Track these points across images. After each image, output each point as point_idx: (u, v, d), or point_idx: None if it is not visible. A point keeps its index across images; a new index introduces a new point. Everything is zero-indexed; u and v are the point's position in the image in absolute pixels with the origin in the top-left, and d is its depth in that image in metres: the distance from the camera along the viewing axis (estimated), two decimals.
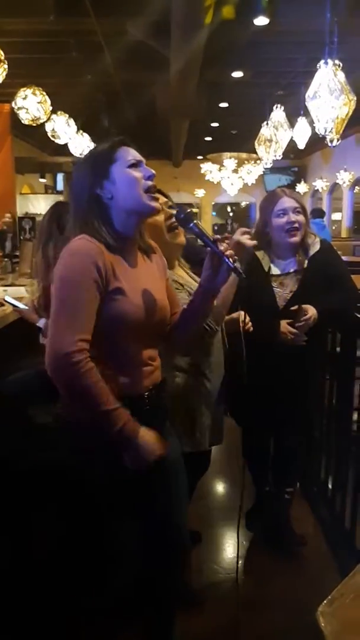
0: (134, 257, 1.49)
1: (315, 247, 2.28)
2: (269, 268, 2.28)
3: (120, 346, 1.42)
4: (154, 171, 1.46)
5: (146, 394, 1.50)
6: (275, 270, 2.29)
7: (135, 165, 1.43)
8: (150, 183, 1.44)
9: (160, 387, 1.56)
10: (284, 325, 2.19)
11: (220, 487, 3.14)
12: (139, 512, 1.61)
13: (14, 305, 2.65)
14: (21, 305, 2.60)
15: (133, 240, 1.49)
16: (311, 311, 2.17)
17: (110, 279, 1.36)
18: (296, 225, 2.19)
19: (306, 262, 2.26)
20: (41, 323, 2.40)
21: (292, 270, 2.27)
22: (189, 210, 1.49)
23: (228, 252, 1.40)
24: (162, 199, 1.88)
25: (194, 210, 19.08)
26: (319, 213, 8.12)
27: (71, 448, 1.47)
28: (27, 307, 2.54)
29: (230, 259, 1.40)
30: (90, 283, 1.32)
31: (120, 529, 1.60)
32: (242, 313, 2.02)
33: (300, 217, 2.21)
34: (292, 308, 2.19)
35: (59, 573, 1.71)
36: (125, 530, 1.64)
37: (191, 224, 1.45)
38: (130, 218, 1.44)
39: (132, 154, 1.45)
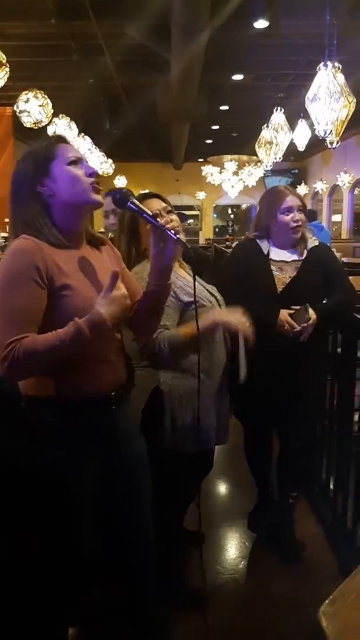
0: (82, 251, 1.48)
1: (314, 243, 2.37)
2: (268, 252, 2.33)
3: None
4: (95, 168, 1.46)
5: (112, 393, 1.50)
6: (275, 256, 2.34)
7: (75, 162, 1.43)
8: (92, 179, 1.43)
9: (126, 387, 1.56)
10: (283, 313, 2.20)
11: (223, 488, 3.15)
12: (105, 512, 1.61)
13: None
14: None
15: (79, 234, 1.48)
16: (313, 318, 2.19)
17: (54, 276, 1.35)
18: (300, 223, 2.29)
19: (305, 252, 2.33)
20: None
21: (291, 259, 2.34)
22: (124, 190, 1.48)
23: (169, 225, 1.42)
24: (161, 204, 1.89)
25: (195, 212, 19.10)
26: (313, 215, 8.15)
27: (35, 451, 1.46)
28: None
29: (172, 231, 1.42)
30: (28, 283, 1.31)
31: (90, 531, 1.59)
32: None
33: (302, 216, 2.32)
34: (296, 307, 2.20)
35: (20, 577, 1.70)
36: (95, 532, 1.63)
37: (129, 203, 1.45)
38: (73, 213, 1.44)
39: (72, 152, 1.44)
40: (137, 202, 1.45)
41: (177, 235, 1.42)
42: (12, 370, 1.28)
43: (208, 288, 2.06)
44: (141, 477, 1.64)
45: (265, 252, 2.35)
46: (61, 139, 1.47)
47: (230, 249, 9.17)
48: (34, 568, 1.60)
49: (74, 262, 1.42)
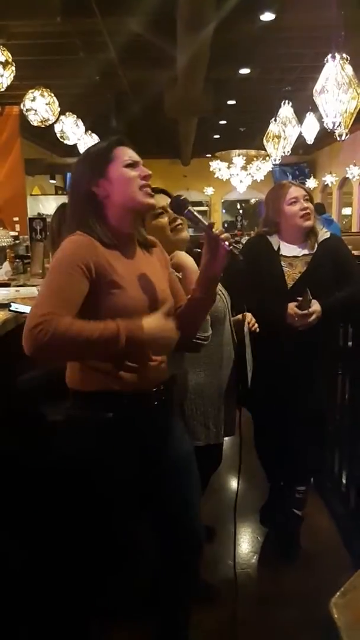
0: (133, 251, 1.50)
1: (325, 235, 2.35)
2: (279, 248, 2.33)
3: None
4: (150, 172, 1.48)
5: (154, 389, 1.50)
6: (284, 252, 2.33)
7: (131, 165, 1.45)
8: (145, 182, 1.45)
9: (168, 384, 1.56)
10: (291, 307, 2.20)
11: (234, 482, 3.15)
12: (151, 510, 1.62)
13: (21, 312, 2.58)
14: (27, 310, 2.53)
15: (130, 235, 1.50)
16: (315, 306, 2.18)
17: (104, 272, 1.36)
18: (308, 210, 2.28)
19: (316, 245, 2.31)
20: None
21: (301, 254, 2.32)
22: (182, 197, 1.51)
23: (223, 236, 1.42)
24: (167, 200, 1.89)
25: (204, 208, 19.07)
26: (322, 209, 8.11)
27: (81, 446, 1.47)
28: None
29: (227, 242, 1.41)
30: (73, 267, 1.32)
31: (133, 527, 1.61)
32: (249, 314, 2.04)
33: (310, 204, 2.31)
34: (300, 298, 2.20)
35: (70, 573, 1.72)
36: (137, 528, 1.64)
37: (185, 211, 1.47)
38: (126, 215, 1.45)
39: (129, 154, 1.46)
40: (193, 210, 1.47)
41: (231, 247, 1.42)
42: (38, 342, 1.21)
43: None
44: (189, 472, 1.64)
45: (276, 248, 2.34)
46: (120, 141, 1.48)
47: (240, 244, 9.10)
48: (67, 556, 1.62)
49: (124, 262, 1.44)
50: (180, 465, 1.61)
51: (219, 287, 2.05)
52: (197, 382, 1.87)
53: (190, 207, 1.47)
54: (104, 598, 1.71)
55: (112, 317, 1.32)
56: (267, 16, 6.01)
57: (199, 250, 1.51)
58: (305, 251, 2.32)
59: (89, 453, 1.46)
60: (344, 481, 2.71)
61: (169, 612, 1.76)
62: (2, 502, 1.87)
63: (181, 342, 1.58)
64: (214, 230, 1.42)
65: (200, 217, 1.47)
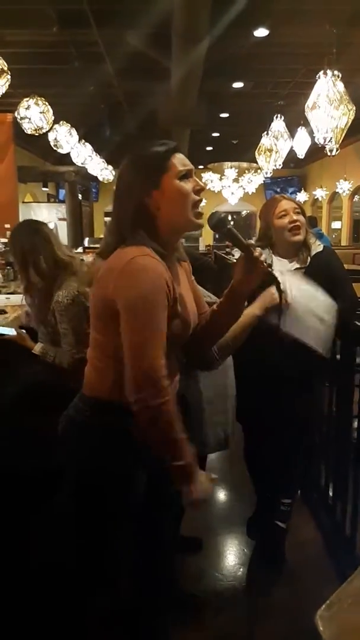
0: (175, 265, 1.47)
1: (318, 248, 2.35)
2: (271, 262, 2.34)
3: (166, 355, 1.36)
4: (203, 184, 1.42)
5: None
6: (277, 266, 2.34)
7: (186, 176, 1.37)
8: (198, 198, 1.39)
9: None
10: (271, 290, 2.20)
11: (222, 494, 3.14)
12: (142, 519, 1.61)
13: (1, 335, 2.49)
14: (10, 332, 2.48)
15: (175, 247, 1.46)
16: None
17: (174, 287, 1.34)
18: (298, 223, 2.27)
19: (309, 259, 2.31)
20: (37, 349, 2.36)
21: (294, 268, 2.33)
22: (223, 215, 1.44)
23: (262, 258, 1.41)
24: None
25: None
26: (314, 222, 8.17)
27: (79, 450, 1.45)
28: (15, 333, 2.44)
29: (265, 264, 1.41)
30: (164, 304, 1.29)
31: (125, 535, 1.60)
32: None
33: (300, 217, 2.30)
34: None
35: (60, 580, 1.71)
36: (127, 537, 1.64)
37: (225, 229, 1.42)
38: (174, 230, 1.41)
39: (184, 163, 1.38)
40: (234, 229, 1.43)
41: (270, 269, 1.44)
42: (155, 398, 1.24)
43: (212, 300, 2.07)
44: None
45: (269, 262, 2.34)
46: (176, 149, 1.40)
47: (231, 255, 9.16)
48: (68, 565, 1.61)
49: (174, 276, 1.40)
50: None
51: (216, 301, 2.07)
52: (208, 391, 1.88)
53: (229, 226, 1.42)
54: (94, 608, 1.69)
55: (175, 326, 1.32)
56: (261, 32, 6.09)
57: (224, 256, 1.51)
58: (298, 265, 2.33)
59: (110, 463, 1.41)
60: (330, 493, 2.71)
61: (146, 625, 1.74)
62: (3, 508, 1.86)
63: (198, 353, 1.61)
64: (252, 250, 1.40)
65: (239, 235, 1.42)
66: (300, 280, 1.93)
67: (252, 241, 1.47)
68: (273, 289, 1.80)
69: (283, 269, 2.34)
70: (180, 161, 1.37)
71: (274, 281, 1.45)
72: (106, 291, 1.32)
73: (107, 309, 1.33)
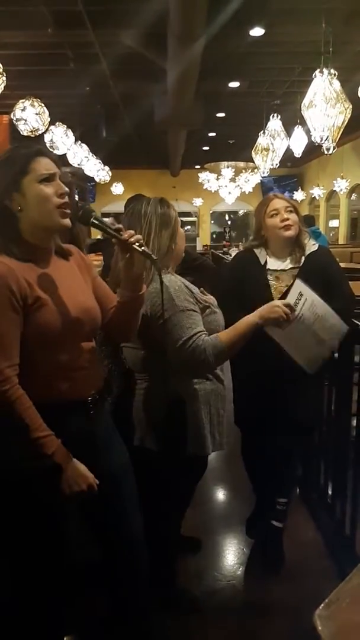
0: (49, 263, 1.46)
1: (312, 248, 2.35)
2: (265, 261, 2.34)
3: (53, 353, 1.41)
4: (66, 188, 1.43)
5: (89, 398, 1.50)
6: (272, 265, 2.34)
7: (47, 179, 1.39)
8: (61, 201, 1.40)
9: (103, 391, 1.57)
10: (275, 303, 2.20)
11: (220, 494, 3.14)
12: (92, 521, 1.61)
13: None
14: None
15: (48, 250, 1.47)
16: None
17: (27, 293, 1.35)
18: (289, 222, 2.27)
19: (303, 258, 2.31)
20: None
21: (288, 267, 2.33)
22: (87, 207, 1.47)
23: (133, 239, 1.43)
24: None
25: (193, 219, 19.14)
26: (311, 221, 8.17)
27: (15, 457, 1.42)
28: None
29: (137, 244, 1.43)
30: (6, 308, 1.31)
31: (70, 537, 1.56)
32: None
33: (293, 215, 2.30)
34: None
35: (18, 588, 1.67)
36: (77, 538, 1.61)
37: (91, 220, 1.45)
38: (41, 232, 1.42)
39: (46, 166, 1.39)
40: (99, 218, 1.46)
41: (142, 248, 1.45)
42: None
43: (210, 300, 2.06)
44: (124, 484, 1.63)
45: (262, 262, 2.34)
46: (39, 152, 1.41)
47: (228, 255, 9.16)
48: (21, 580, 1.57)
49: (42, 276, 1.41)
50: (116, 476, 1.59)
51: (213, 301, 2.06)
52: (204, 393, 1.88)
53: (94, 214, 1.45)
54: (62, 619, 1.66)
55: (38, 332, 1.36)
56: (257, 31, 6.08)
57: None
58: (292, 264, 2.33)
59: (23, 464, 1.40)
60: (329, 492, 2.72)
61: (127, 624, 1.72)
62: None
63: (119, 338, 1.72)
64: (121, 234, 1.43)
65: (105, 223, 1.45)
66: (318, 301, 1.89)
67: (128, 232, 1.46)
68: (279, 302, 1.81)
69: (277, 268, 2.34)
70: (41, 165, 1.39)
71: (150, 258, 1.47)
72: None
73: None
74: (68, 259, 1.54)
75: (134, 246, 1.43)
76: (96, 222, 1.45)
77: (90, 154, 9.81)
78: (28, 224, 1.40)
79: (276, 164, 7.80)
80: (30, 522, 1.45)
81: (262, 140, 7.62)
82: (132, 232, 1.45)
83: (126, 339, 1.76)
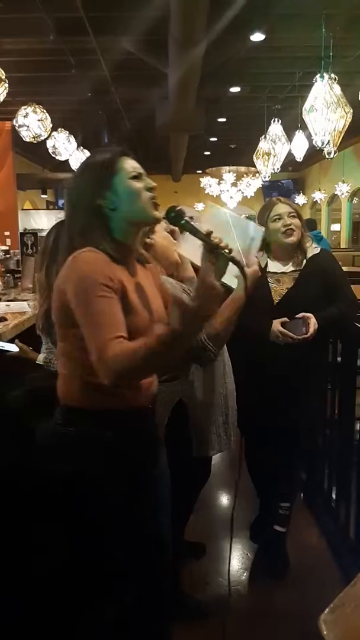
0: (135, 268, 1.48)
1: (314, 251, 2.36)
2: (266, 264, 2.35)
3: None
4: (155, 184, 1.46)
5: (150, 405, 1.51)
6: (272, 268, 2.35)
7: (136, 177, 1.43)
8: (151, 194, 1.44)
9: (156, 398, 1.57)
10: (275, 324, 2.21)
11: (224, 499, 3.13)
12: (136, 525, 1.58)
13: (4, 351, 2.45)
14: (12, 348, 2.44)
15: (133, 249, 1.48)
16: (310, 332, 2.18)
17: (121, 289, 1.34)
18: (291, 227, 2.28)
19: (304, 261, 2.32)
20: (40, 359, 2.34)
21: (289, 270, 2.34)
22: (178, 208, 1.47)
23: (222, 244, 1.40)
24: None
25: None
26: (313, 225, 8.18)
27: (76, 465, 1.43)
28: (17, 349, 2.40)
29: (226, 250, 1.39)
30: (102, 289, 1.29)
31: (119, 541, 1.58)
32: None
33: (295, 221, 2.31)
34: (297, 315, 2.20)
35: (57, 589, 1.69)
36: (122, 542, 1.62)
37: (182, 221, 1.44)
38: (132, 228, 1.43)
39: (133, 166, 1.44)
40: (191, 221, 1.44)
41: (231, 254, 1.40)
42: (117, 371, 1.23)
43: None
44: (167, 492, 1.63)
45: (263, 265, 2.35)
46: (123, 152, 1.44)
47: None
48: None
49: (130, 279, 1.41)
50: (158, 481, 1.59)
51: None
52: (207, 393, 1.88)
53: (186, 217, 1.44)
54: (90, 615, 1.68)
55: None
56: (257, 36, 6.10)
57: None
58: (293, 267, 2.34)
59: (85, 472, 1.41)
60: (333, 497, 2.71)
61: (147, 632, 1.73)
62: None
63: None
64: (212, 238, 1.39)
65: (198, 226, 1.43)
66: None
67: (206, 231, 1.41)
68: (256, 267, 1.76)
69: (277, 270, 2.34)
70: (129, 164, 1.43)
71: (238, 265, 1.44)
72: (62, 296, 1.35)
73: (64, 312, 1.36)
74: (145, 265, 1.55)
75: (224, 252, 1.40)
76: (189, 225, 1.43)
77: None
78: (120, 222, 1.41)
79: (277, 168, 7.82)
80: (84, 525, 1.45)
81: (263, 144, 7.64)
82: (220, 237, 1.42)
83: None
